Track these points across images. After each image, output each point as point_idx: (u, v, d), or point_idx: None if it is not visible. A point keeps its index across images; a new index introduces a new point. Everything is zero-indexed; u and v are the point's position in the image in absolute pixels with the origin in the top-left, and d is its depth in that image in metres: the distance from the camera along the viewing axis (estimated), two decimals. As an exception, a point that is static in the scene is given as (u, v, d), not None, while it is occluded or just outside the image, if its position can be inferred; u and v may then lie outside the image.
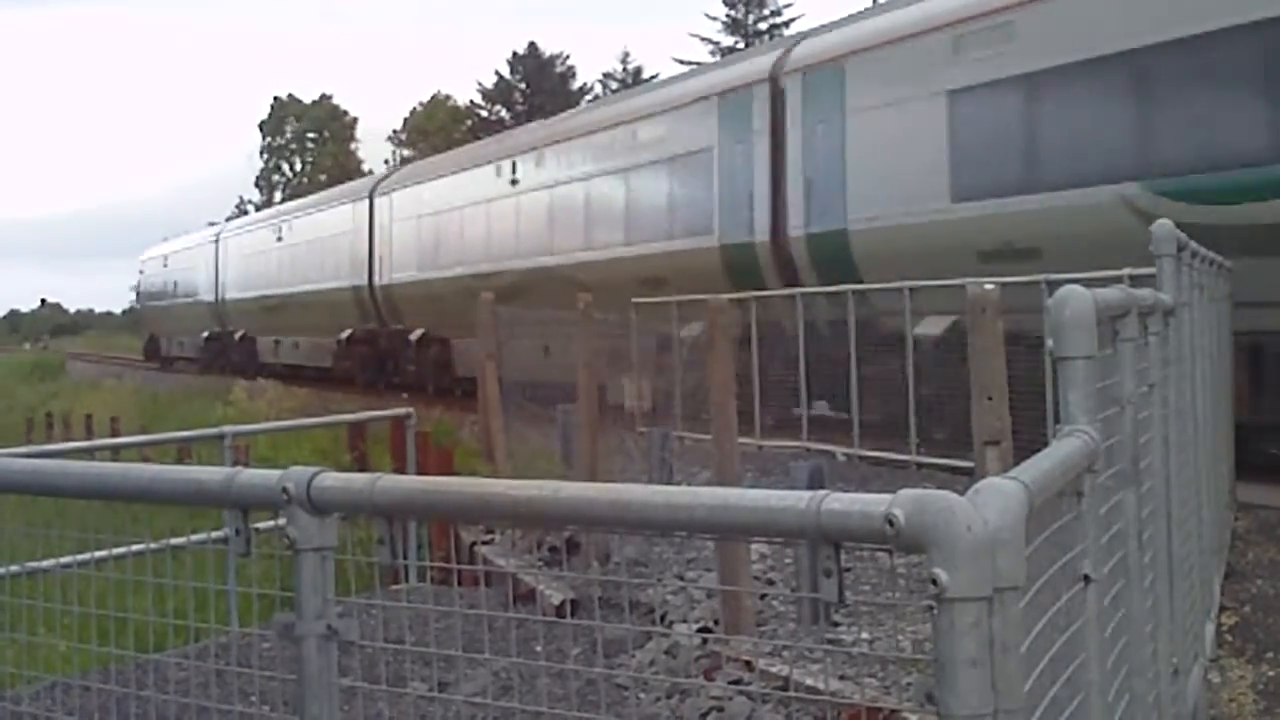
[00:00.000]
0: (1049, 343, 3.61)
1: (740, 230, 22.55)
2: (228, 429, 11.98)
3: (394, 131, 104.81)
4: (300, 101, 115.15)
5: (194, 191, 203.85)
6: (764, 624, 10.00)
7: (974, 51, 17.95)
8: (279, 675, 3.81)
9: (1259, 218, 14.17)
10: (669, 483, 12.27)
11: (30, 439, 29.35)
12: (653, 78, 71.89)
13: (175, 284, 62.14)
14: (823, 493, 2.51)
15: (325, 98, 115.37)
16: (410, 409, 14.17)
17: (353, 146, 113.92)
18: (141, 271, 70.92)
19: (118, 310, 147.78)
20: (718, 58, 63.92)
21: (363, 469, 13.04)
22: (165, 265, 64.64)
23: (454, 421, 24.72)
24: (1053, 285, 4.98)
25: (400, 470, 12.67)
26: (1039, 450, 3.05)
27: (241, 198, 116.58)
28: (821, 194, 20.65)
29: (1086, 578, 3.34)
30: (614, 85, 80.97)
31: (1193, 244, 7.29)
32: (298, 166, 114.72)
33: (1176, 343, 6.28)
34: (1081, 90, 16.46)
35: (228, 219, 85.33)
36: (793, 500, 2.55)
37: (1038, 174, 17.03)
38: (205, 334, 56.14)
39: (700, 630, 9.83)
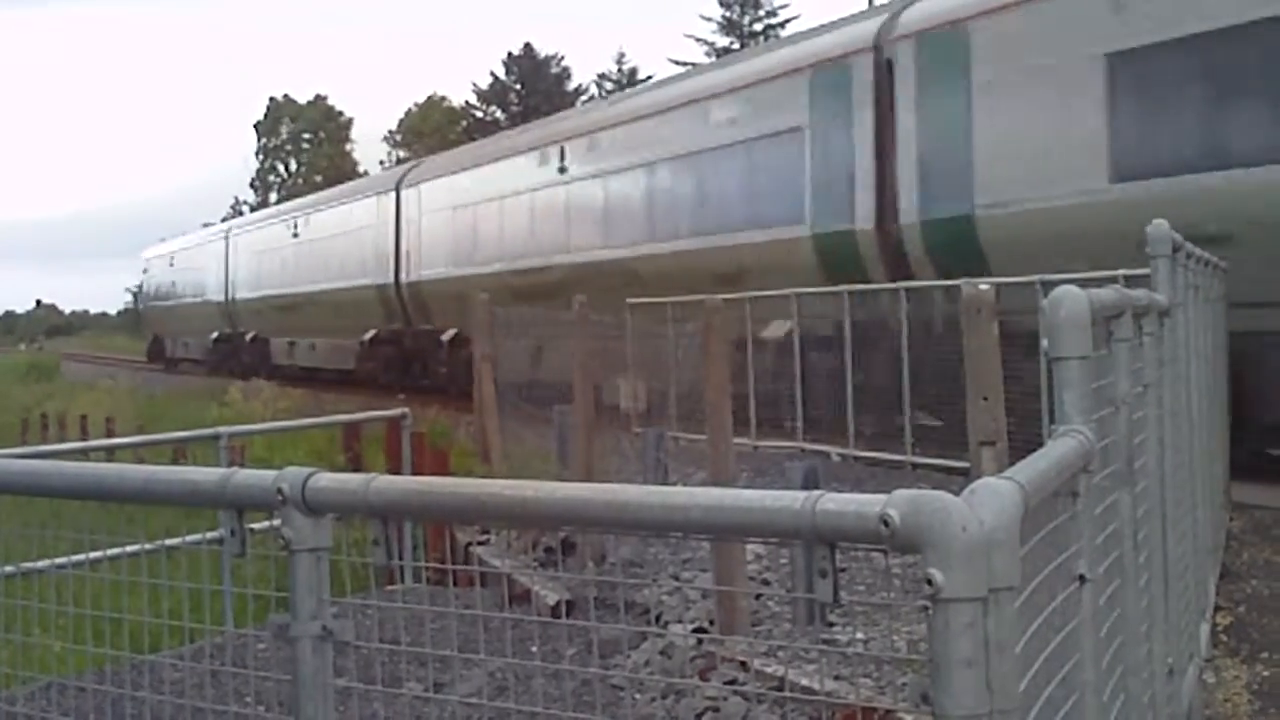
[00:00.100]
0: (1044, 343, 3.61)
1: (837, 218, 20.27)
2: (223, 430, 11.97)
3: (389, 132, 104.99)
4: (296, 102, 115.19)
5: (190, 193, 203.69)
6: (759, 624, 9.99)
7: (1141, 7, 15.79)
8: (274, 676, 3.82)
9: None
10: (664, 483, 12.27)
11: (25, 440, 29.29)
12: (648, 78, 71.95)
13: (181, 283, 60.20)
14: (818, 493, 2.51)
15: (320, 98, 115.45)
16: (405, 409, 14.16)
17: (348, 147, 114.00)
18: (145, 270, 69.37)
19: (113, 311, 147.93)
20: (712, 59, 63.94)
21: (358, 470, 13.03)
22: (171, 264, 62.76)
23: (450, 422, 24.69)
24: (1048, 285, 4.97)
25: (395, 471, 12.66)
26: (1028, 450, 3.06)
27: (237, 198, 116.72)
28: (941, 175, 18.45)
29: (1082, 578, 3.34)
30: (609, 86, 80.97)
31: (1188, 245, 7.30)
32: (293, 167, 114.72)
33: (1171, 343, 6.28)
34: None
35: (223, 220, 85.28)
36: (788, 500, 2.55)
37: (1229, 147, 15.02)
38: (214, 335, 54.13)
39: (695, 630, 9.83)
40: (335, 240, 42.32)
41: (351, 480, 3.34)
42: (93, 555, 4.55)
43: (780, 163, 21.62)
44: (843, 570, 2.64)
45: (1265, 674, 8.27)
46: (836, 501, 2.47)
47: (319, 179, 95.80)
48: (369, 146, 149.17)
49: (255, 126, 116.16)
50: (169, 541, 4.59)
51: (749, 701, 8.13)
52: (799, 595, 8.34)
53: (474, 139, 53.84)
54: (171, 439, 13.27)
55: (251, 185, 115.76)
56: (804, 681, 7.88)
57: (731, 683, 8.54)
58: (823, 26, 23.07)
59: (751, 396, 18.75)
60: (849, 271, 19.40)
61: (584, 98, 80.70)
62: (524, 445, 17.73)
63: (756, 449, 18.46)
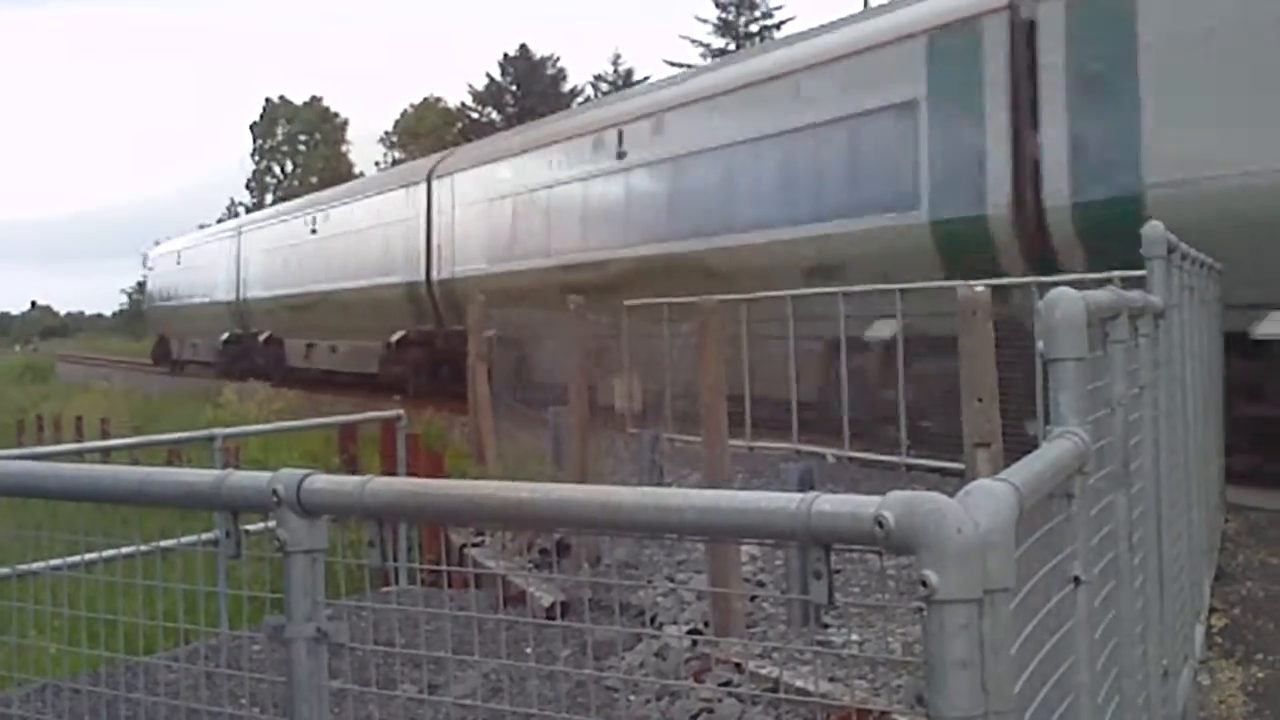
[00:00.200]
0: (1040, 344, 3.62)
1: (963, 202, 17.81)
2: (218, 431, 11.98)
3: (385, 133, 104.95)
4: (291, 103, 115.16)
5: (185, 194, 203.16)
6: (754, 626, 9.99)
7: None
8: (269, 677, 3.82)
9: None
10: (659, 485, 12.27)
11: (21, 441, 29.27)
12: (645, 79, 71.93)
13: (189, 282, 57.23)
14: (813, 494, 2.51)
15: (316, 100, 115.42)
16: (400, 410, 14.17)
17: (344, 149, 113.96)
18: (150, 269, 67.35)
19: (108, 312, 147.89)
20: (708, 60, 63.92)
21: (353, 471, 13.03)
22: (178, 262, 60.28)
23: (444, 423, 24.66)
24: (1043, 287, 4.92)
25: (390, 472, 12.67)
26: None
27: (233, 199, 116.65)
28: (1098, 151, 16.21)
29: (1077, 579, 3.35)
30: (604, 88, 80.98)
31: (1183, 246, 7.30)
32: (289, 168, 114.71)
33: (1167, 345, 6.29)
34: None
35: (218, 221, 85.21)
36: (783, 502, 2.55)
37: None
38: (224, 336, 51.48)
39: (690, 632, 9.83)
40: (358, 236, 39.95)
41: (347, 482, 3.34)
42: (88, 557, 4.55)
43: (889, 141, 19.13)
44: (838, 572, 2.64)
45: (1260, 676, 8.27)
46: (831, 503, 2.47)
47: (314, 180, 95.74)
48: (365, 148, 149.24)
49: (251, 128, 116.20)
50: (164, 543, 4.58)
51: (744, 703, 8.13)
52: (794, 597, 8.31)
53: (469, 140, 53.12)
54: (166, 440, 13.27)
55: (247, 186, 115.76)
56: (799, 683, 7.89)
57: (726, 684, 8.55)
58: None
59: (843, 405, 17.80)
60: (977, 262, 16.87)
61: (579, 99, 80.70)
62: (519, 446, 17.72)
63: (752, 450, 18.45)
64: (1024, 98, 17.09)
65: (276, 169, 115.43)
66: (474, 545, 13.75)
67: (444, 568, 10.36)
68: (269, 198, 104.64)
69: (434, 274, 34.48)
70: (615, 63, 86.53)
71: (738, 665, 8.79)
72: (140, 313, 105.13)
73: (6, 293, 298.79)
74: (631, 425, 18.99)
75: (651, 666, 9.25)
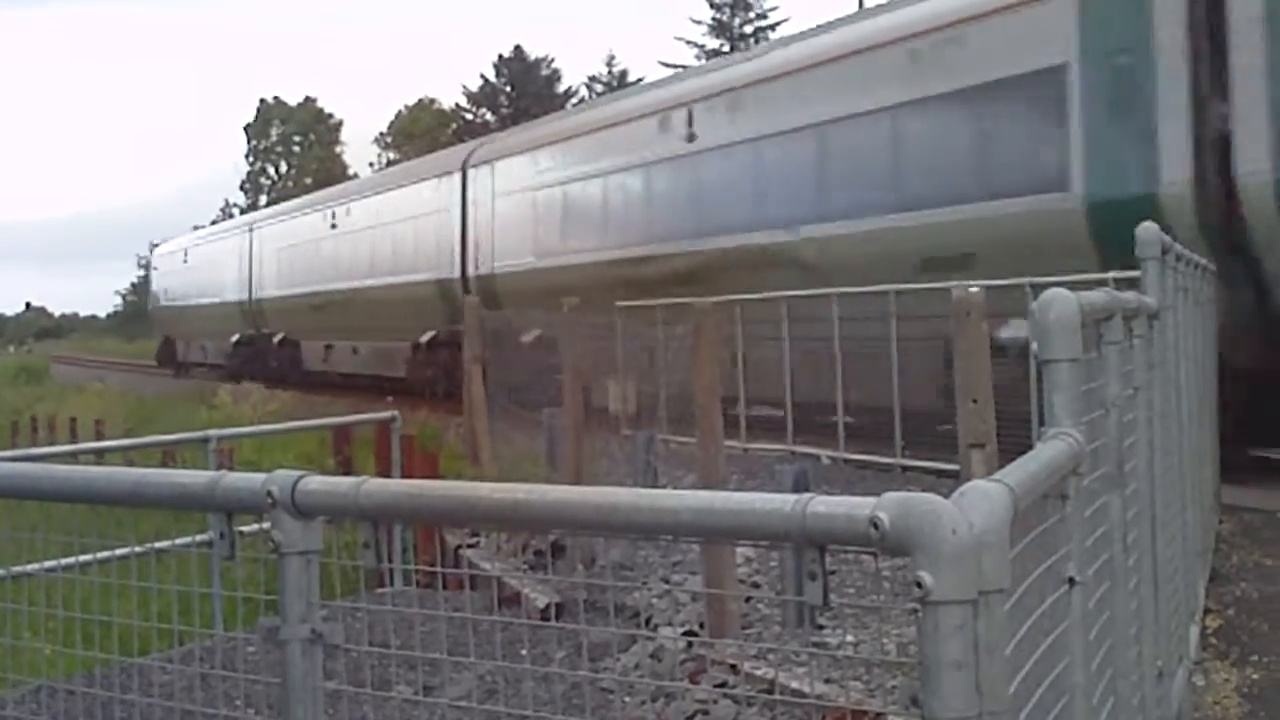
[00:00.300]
0: (1034, 345, 3.62)
1: (1127, 179, 15.53)
2: (212, 433, 11.98)
3: (380, 134, 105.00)
4: (286, 104, 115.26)
5: (180, 196, 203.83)
6: (749, 627, 10.00)
7: None
8: (264, 679, 3.82)
9: None
10: (654, 486, 12.28)
11: (15, 442, 29.25)
12: (639, 80, 71.91)
13: (196, 282, 54.89)
14: (808, 495, 2.52)
15: (310, 100, 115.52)
16: (395, 412, 14.16)
17: (338, 149, 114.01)
18: (155, 269, 65.91)
19: (102, 314, 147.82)
20: (703, 61, 63.92)
21: (348, 473, 13.02)
22: (184, 261, 58.18)
23: (439, 424, 24.63)
24: (1037, 288, 4.89)
25: (385, 474, 12.66)
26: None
27: (227, 200, 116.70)
28: None
29: (1071, 580, 3.35)
30: (599, 88, 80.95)
31: (1177, 247, 7.31)
32: (283, 169, 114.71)
33: (1161, 346, 6.29)
34: None
35: (212, 222, 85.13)
36: (778, 503, 2.55)
37: None
38: (235, 337, 49.10)
39: (685, 633, 9.83)
40: (384, 230, 37.34)
41: (342, 483, 3.34)
42: (82, 558, 4.54)
43: (1030, 112, 17.01)
44: (833, 573, 2.64)
45: (1255, 677, 8.28)
46: (826, 504, 2.48)
47: (309, 181, 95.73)
48: (359, 149, 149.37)
49: (245, 129, 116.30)
50: (158, 544, 4.58)
51: (739, 704, 8.13)
52: (789, 598, 8.34)
53: (464, 140, 52.66)
54: (161, 442, 13.27)
55: (242, 188, 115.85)
56: (794, 684, 7.89)
57: (721, 686, 8.55)
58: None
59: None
60: None
61: (574, 100, 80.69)
62: (514, 447, 17.72)
63: (746, 451, 18.44)
64: (1210, 55, 14.89)
65: (271, 170, 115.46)
66: (469, 547, 13.75)
67: (439, 569, 10.34)
68: (263, 199, 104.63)
69: (470, 270, 32.01)
70: (610, 64, 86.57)
71: (733, 666, 8.79)
72: (134, 314, 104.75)
73: (1, 294, 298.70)
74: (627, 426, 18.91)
75: (647, 668, 9.26)
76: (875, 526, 2.31)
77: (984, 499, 2.35)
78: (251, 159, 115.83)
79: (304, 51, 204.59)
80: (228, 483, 3.56)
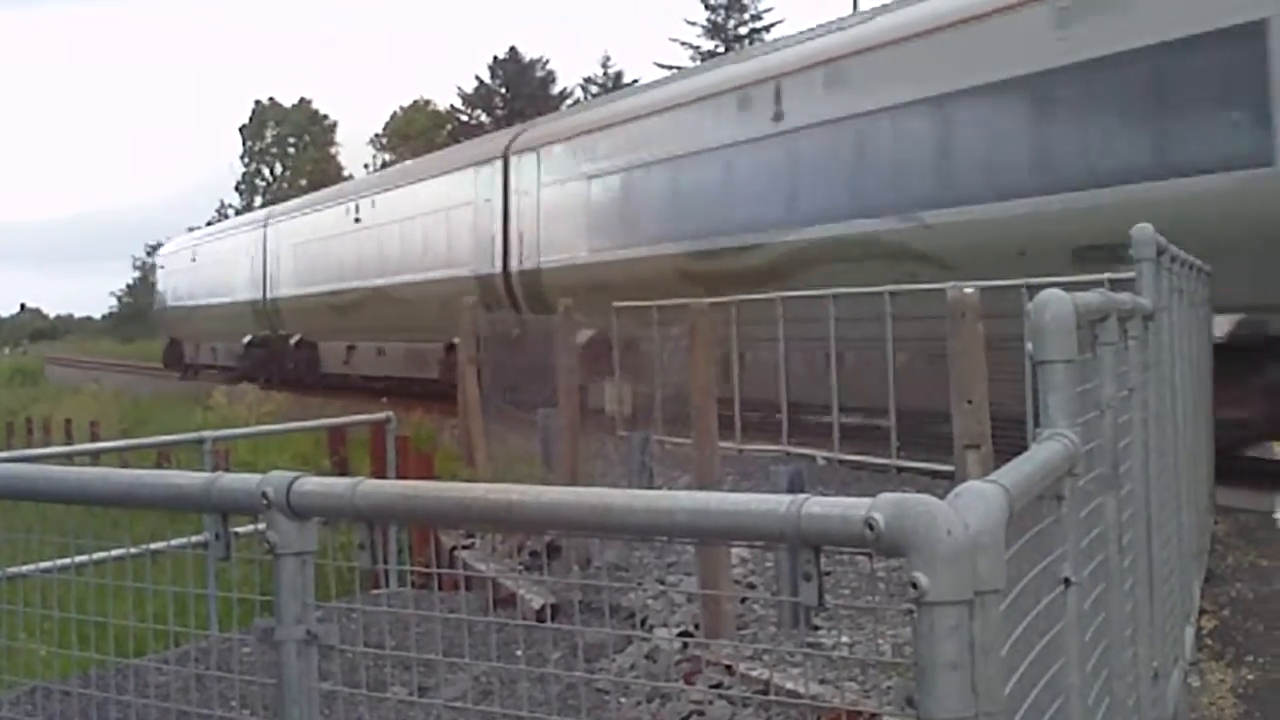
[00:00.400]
0: (1029, 346, 3.62)
1: None
2: (208, 434, 11.97)
3: (375, 135, 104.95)
4: (281, 106, 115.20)
5: (176, 197, 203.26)
6: (744, 628, 10.00)
7: None
8: (259, 680, 3.81)
9: None
10: (649, 487, 12.27)
11: (10, 443, 29.22)
12: (633, 82, 71.82)
13: (206, 281, 52.70)
14: (803, 496, 2.52)
15: (305, 102, 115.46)
16: (390, 413, 14.16)
17: (333, 150, 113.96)
18: (161, 268, 63.35)
19: (98, 315, 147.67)
20: (698, 62, 63.85)
21: (343, 473, 13.02)
22: (192, 260, 55.82)
23: (434, 425, 24.59)
24: (1033, 289, 4.83)
25: (380, 475, 12.66)
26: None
27: (223, 201, 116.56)
28: None
29: (1067, 581, 3.35)
30: (594, 90, 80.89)
31: (1172, 248, 7.31)
32: (278, 171, 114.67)
33: (1156, 347, 6.30)
34: None
35: (208, 224, 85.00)
36: (773, 504, 2.55)
37: None
38: (247, 339, 46.71)
39: (681, 634, 9.83)
40: (415, 223, 34.54)
41: (337, 484, 3.34)
42: (78, 559, 4.54)
43: (1213, 77, 14.52)
44: (828, 574, 2.64)
45: (1250, 677, 8.28)
46: (821, 505, 2.47)
47: (304, 183, 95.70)
48: (354, 150, 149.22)
49: (240, 130, 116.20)
50: (154, 545, 4.59)
51: (734, 705, 8.13)
52: (784, 599, 8.35)
53: (459, 142, 51.96)
54: (156, 443, 13.27)
55: (237, 189, 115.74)
56: (789, 685, 7.90)
57: (717, 686, 8.55)
58: None
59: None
60: None
61: (569, 101, 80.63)
62: (509, 448, 17.71)
63: (742, 452, 18.43)
64: None
65: (266, 171, 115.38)
66: (464, 548, 13.75)
67: (434, 570, 10.35)
68: (258, 200, 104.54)
69: (513, 264, 29.51)
70: (605, 65, 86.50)
71: (728, 667, 8.79)
72: (130, 316, 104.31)
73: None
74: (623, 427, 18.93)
75: (642, 669, 9.25)
76: (870, 527, 2.31)
77: (979, 500, 2.35)
78: (247, 160, 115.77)
79: (299, 53, 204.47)
80: (223, 484, 3.55)
